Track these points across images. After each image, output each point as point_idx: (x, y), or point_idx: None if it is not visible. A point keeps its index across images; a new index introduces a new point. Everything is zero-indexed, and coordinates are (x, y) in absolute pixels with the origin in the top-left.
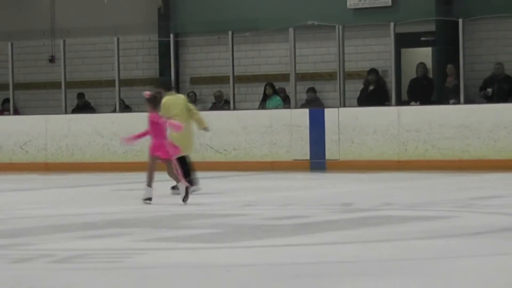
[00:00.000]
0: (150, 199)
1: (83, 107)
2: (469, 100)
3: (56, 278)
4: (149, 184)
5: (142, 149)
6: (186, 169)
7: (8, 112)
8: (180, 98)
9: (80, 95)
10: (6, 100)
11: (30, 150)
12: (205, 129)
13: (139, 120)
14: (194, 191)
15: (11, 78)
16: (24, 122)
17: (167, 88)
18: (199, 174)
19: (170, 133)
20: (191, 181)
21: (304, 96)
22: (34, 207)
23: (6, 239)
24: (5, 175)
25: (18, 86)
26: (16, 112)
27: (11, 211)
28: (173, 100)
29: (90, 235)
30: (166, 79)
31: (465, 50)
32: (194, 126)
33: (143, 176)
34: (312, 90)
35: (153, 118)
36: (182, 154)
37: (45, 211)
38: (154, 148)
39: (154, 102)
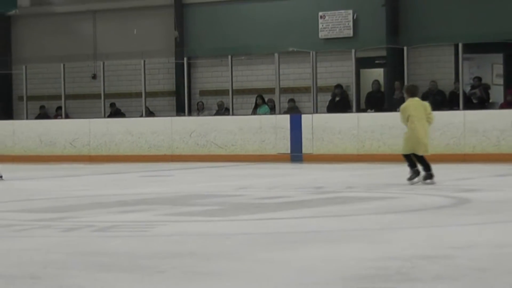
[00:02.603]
0: None
1: (115, 113)
2: None
3: (96, 243)
4: None
5: (163, 145)
6: (425, 164)
7: (60, 117)
8: (419, 102)
9: (112, 104)
10: (59, 108)
11: (77, 145)
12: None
13: (160, 123)
14: (432, 183)
15: (63, 91)
16: (72, 124)
17: (412, 94)
18: (212, 165)
19: (405, 133)
20: (430, 175)
21: (286, 105)
22: (80, 189)
23: (58, 213)
24: (58, 164)
25: (68, 96)
26: (67, 116)
27: (63, 192)
28: (413, 104)
29: (123, 210)
30: (411, 86)
31: (409, 70)
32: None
33: (162, 165)
34: (292, 100)
35: None
36: (417, 153)
37: (89, 192)
38: None
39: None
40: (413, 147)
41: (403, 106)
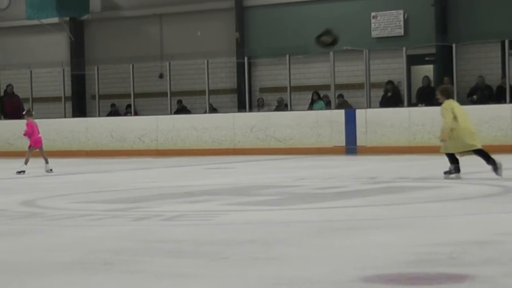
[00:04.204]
0: None
1: (181, 109)
2: (460, 102)
3: (165, 231)
4: None
5: (226, 139)
6: (487, 156)
7: (130, 114)
8: (454, 103)
9: (179, 101)
10: (129, 105)
11: (146, 140)
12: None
13: (222, 118)
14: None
15: (132, 90)
16: (141, 121)
17: (446, 96)
18: (272, 157)
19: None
20: (496, 167)
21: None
22: (149, 181)
23: (129, 204)
24: (129, 158)
25: (137, 95)
26: (136, 113)
27: (133, 184)
28: (448, 105)
29: (189, 200)
30: (446, 87)
31: (457, 66)
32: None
33: (225, 158)
34: (341, 96)
35: None
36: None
37: (157, 184)
38: None
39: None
40: (471, 143)
41: (445, 106)
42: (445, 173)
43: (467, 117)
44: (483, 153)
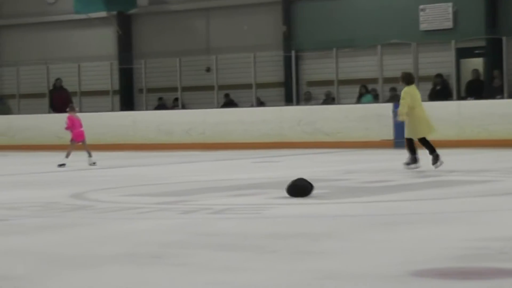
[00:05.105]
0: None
1: (228, 103)
2: (510, 96)
3: (212, 224)
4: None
5: (273, 132)
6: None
7: (177, 107)
8: (414, 90)
9: (226, 95)
10: (176, 99)
11: (193, 134)
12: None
13: (270, 112)
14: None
15: (179, 83)
16: (189, 114)
17: (407, 82)
18: (319, 151)
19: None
20: (437, 156)
21: (388, 94)
22: (196, 174)
23: (176, 197)
24: (176, 152)
25: (184, 89)
26: (183, 107)
27: (180, 177)
28: (410, 91)
29: (236, 194)
30: (408, 74)
31: (507, 59)
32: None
33: (272, 152)
34: (393, 89)
35: None
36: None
37: (204, 177)
38: None
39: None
40: (428, 130)
41: (405, 90)
42: (405, 164)
43: (422, 106)
44: (428, 144)
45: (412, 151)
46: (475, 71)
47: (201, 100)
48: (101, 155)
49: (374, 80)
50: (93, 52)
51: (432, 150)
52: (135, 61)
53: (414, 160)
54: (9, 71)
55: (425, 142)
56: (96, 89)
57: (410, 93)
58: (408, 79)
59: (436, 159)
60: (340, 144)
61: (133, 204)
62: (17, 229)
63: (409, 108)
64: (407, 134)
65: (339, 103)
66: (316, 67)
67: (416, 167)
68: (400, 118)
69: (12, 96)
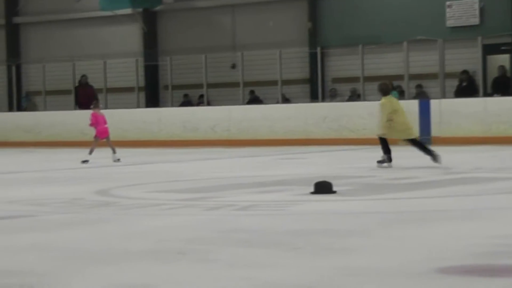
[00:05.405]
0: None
1: (253, 100)
2: None
3: (237, 221)
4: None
5: (298, 129)
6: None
7: (202, 104)
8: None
9: (251, 92)
10: (201, 96)
11: (218, 130)
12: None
13: (295, 109)
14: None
15: (205, 80)
16: (214, 111)
17: (384, 93)
18: (344, 148)
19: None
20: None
21: (414, 91)
22: (222, 171)
23: (201, 193)
24: (201, 148)
25: (209, 85)
26: (208, 104)
27: (205, 174)
28: (387, 102)
29: (261, 190)
30: (385, 85)
31: None
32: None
33: (297, 149)
34: (420, 86)
35: None
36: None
37: (229, 173)
38: None
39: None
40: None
41: (383, 102)
42: (378, 162)
43: (403, 111)
44: (418, 144)
45: (386, 150)
46: (502, 67)
47: (227, 96)
48: (126, 151)
49: (400, 77)
50: (118, 49)
51: (386, 151)
52: (160, 58)
53: (389, 159)
54: (35, 68)
55: (384, 142)
56: (121, 85)
57: (387, 104)
58: (384, 90)
59: (383, 161)
60: (365, 140)
61: (158, 201)
62: (42, 225)
63: (389, 115)
64: (380, 134)
65: (364, 100)
66: (342, 63)
67: (389, 166)
68: (381, 133)
69: (38, 93)
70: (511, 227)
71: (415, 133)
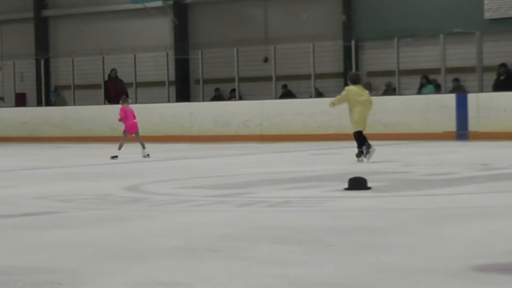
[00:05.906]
0: None
1: (286, 94)
2: None
3: (270, 217)
4: None
5: (332, 124)
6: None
7: (234, 98)
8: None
9: (284, 86)
10: (233, 90)
11: (250, 125)
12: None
13: (327, 104)
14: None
15: (236, 74)
16: (246, 105)
17: (353, 82)
18: (379, 143)
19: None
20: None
21: (451, 85)
22: (254, 167)
23: (233, 189)
24: (233, 144)
25: (241, 79)
26: (240, 98)
27: (237, 169)
28: (352, 90)
29: (294, 186)
30: (354, 74)
31: None
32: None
33: (331, 144)
34: (457, 80)
35: None
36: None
37: (262, 169)
38: None
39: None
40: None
41: (346, 88)
42: (357, 156)
43: (365, 104)
44: (362, 139)
45: (361, 143)
46: None
47: (259, 91)
48: (157, 147)
49: (436, 71)
50: (149, 42)
51: (360, 145)
52: (191, 52)
53: (360, 153)
54: (64, 62)
55: (359, 136)
56: (151, 80)
57: (351, 91)
58: (353, 79)
59: (360, 154)
60: (400, 135)
61: (189, 197)
62: (72, 222)
63: (350, 104)
64: (352, 128)
65: (400, 94)
66: (377, 57)
67: (361, 161)
68: (329, 105)
69: (67, 87)
70: None
71: (361, 127)
